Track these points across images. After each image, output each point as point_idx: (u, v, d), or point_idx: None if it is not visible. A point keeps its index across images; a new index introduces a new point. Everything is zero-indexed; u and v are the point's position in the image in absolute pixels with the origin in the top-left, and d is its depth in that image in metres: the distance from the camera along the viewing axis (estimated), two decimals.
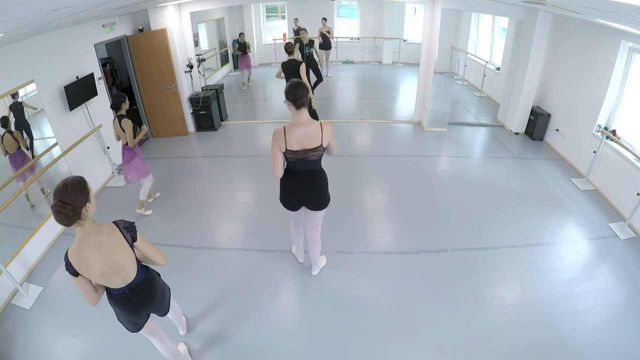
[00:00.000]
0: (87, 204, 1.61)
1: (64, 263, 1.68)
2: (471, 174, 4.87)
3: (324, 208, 2.76)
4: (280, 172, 2.51)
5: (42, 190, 3.91)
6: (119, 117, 3.62)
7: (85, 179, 1.67)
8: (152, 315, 2.16)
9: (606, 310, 2.85)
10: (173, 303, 2.40)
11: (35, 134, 3.84)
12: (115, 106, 3.60)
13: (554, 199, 4.29)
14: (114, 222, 1.77)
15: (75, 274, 1.69)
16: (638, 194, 3.52)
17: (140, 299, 1.94)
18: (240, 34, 8.53)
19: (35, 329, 2.83)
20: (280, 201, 2.76)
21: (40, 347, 2.69)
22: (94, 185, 4.61)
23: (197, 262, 3.41)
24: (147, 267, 2.01)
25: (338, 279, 3.22)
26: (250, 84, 8.94)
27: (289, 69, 4.95)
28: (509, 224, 3.84)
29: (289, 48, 4.94)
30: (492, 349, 2.59)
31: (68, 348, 2.69)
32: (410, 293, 3.06)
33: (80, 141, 4.22)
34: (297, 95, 2.33)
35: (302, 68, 4.90)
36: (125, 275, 1.83)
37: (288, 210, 2.81)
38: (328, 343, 2.66)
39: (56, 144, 3.97)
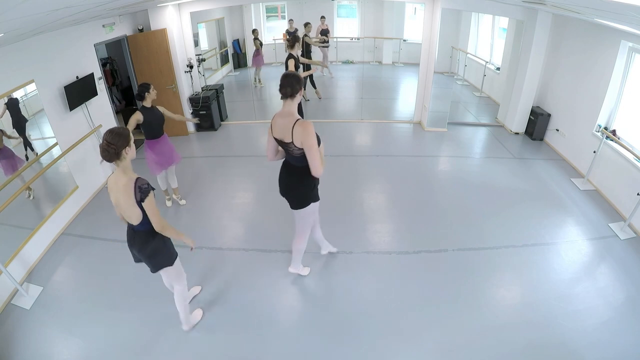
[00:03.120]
0: (127, 148, 2.03)
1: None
2: (471, 174, 4.87)
3: (296, 209, 2.68)
4: (270, 156, 2.64)
5: (29, 188, 3.74)
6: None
7: (129, 129, 2.16)
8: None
9: (606, 310, 2.85)
10: (182, 294, 2.58)
11: (35, 134, 3.84)
12: (139, 97, 3.61)
13: (554, 199, 4.29)
14: (137, 178, 2.08)
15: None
16: (638, 194, 3.52)
17: (134, 242, 2.28)
18: (253, 30, 8.54)
19: (35, 329, 2.82)
20: None
21: (40, 347, 2.69)
22: (92, 186, 4.61)
23: (197, 262, 3.41)
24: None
25: (338, 278, 3.22)
26: (261, 84, 8.94)
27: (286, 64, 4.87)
28: (509, 224, 3.83)
29: (288, 42, 4.78)
30: (492, 349, 2.59)
31: (68, 348, 2.69)
32: (410, 293, 3.06)
33: (80, 141, 4.22)
34: (280, 85, 2.39)
35: (291, 63, 4.74)
36: (127, 217, 2.18)
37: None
38: (327, 343, 2.66)
39: (56, 144, 3.96)
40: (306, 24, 7.87)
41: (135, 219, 2.14)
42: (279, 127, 2.44)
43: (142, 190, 2.07)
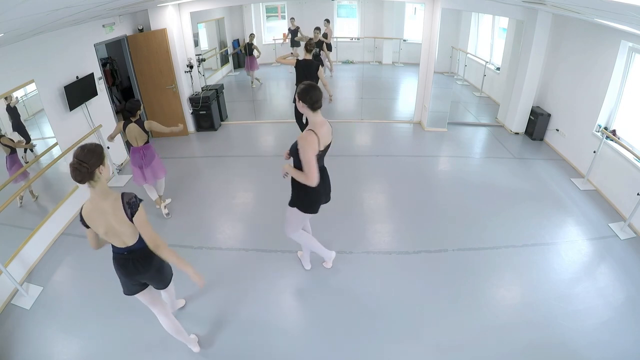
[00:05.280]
0: (101, 166, 1.81)
1: (79, 219, 1.98)
2: (471, 174, 4.87)
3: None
4: (317, 175, 2.43)
5: (31, 192, 3.80)
6: (138, 122, 3.59)
7: (102, 146, 1.87)
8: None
9: (606, 310, 2.85)
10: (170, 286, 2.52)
11: (35, 134, 3.83)
12: (130, 113, 3.55)
13: (554, 199, 4.29)
14: (122, 194, 1.93)
15: (87, 226, 1.97)
16: (638, 194, 3.52)
17: (136, 264, 2.09)
18: (251, 34, 8.54)
19: (35, 329, 2.82)
20: (311, 208, 2.74)
21: (40, 347, 2.69)
22: None
23: (196, 262, 3.41)
24: None
25: (338, 278, 3.22)
26: (260, 83, 8.94)
27: (305, 69, 4.59)
28: (509, 224, 3.83)
29: (310, 46, 4.56)
30: (492, 349, 2.59)
31: (68, 348, 2.69)
32: (410, 293, 3.06)
33: (80, 141, 4.22)
34: (317, 100, 2.43)
35: (321, 70, 4.57)
36: (124, 239, 2.00)
37: (311, 214, 2.80)
38: (327, 343, 2.66)
39: (56, 144, 3.97)
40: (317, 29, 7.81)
41: (133, 237, 1.99)
42: (326, 135, 2.52)
43: (131, 205, 1.90)
